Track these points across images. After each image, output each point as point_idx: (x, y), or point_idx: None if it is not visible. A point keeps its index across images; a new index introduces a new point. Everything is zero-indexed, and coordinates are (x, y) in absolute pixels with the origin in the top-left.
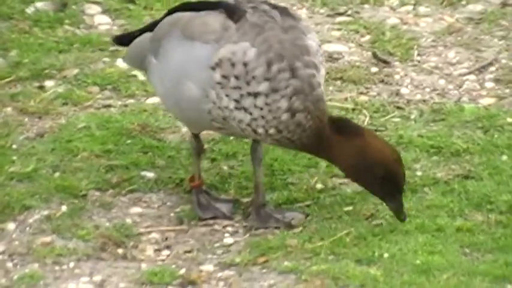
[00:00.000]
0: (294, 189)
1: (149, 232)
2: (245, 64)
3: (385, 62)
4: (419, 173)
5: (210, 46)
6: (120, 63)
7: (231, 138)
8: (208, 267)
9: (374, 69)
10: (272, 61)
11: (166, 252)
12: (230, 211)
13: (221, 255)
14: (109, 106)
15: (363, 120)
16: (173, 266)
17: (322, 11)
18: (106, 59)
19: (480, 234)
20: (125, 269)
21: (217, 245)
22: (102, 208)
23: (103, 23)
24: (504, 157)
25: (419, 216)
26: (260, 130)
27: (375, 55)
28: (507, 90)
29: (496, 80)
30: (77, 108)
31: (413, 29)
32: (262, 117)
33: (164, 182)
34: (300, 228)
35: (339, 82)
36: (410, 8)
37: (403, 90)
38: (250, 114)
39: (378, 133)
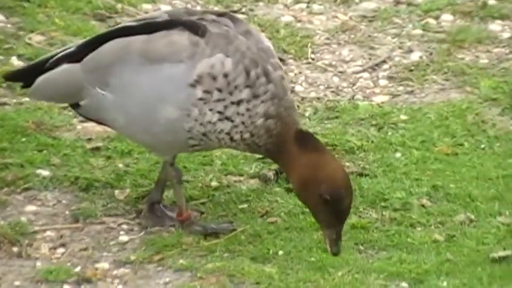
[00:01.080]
0: (189, 187)
1: (44, 230)
2: (225, 75)
3: (280, 59)
4: None
5: (184, 64)
6: (15, 61)
7: None
8: (103, 265)
9: None
10: (249, 68)
11: (61, 250)
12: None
13: (116, 253)
14: (4, 104)
15: None
16: (68, 264)
17: (216, 8)
18: (0, 57)
19: (374, 231)
20: (20, 267)
21: (112, 242)
22: None
23: None
24: (398, 154)
25: None
26: (237, 136)
27: None
28: (400, 88)
29: (390, 78)
30: None
31: (307, 26)
32: (243, 122)
33: (59, 180)
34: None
35: None
36: (304, 5)
37: (298, 88)
38: (232, 121)
39: None
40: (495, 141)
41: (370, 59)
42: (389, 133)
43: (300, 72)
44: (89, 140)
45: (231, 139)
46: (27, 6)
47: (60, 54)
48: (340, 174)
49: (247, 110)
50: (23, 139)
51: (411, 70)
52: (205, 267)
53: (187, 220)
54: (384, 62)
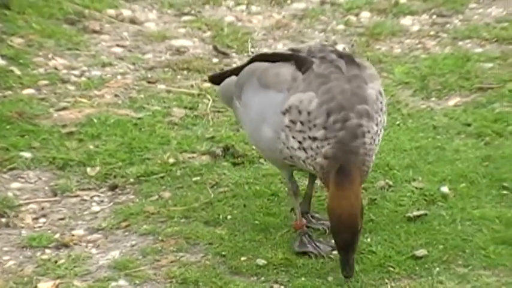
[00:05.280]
0: (150, 164)
1: (28, 203)
2: (309, 113)
3: (224, 53)
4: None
5: (283, 94)
6: None
7: (95, 121)
8: (79, 232)
9: (215, 60)
10: (331, 112)
11: (42, 220)
12: (326, 251)
13: (89, 221)
14: None
15: (207, 103)
16: (49, 232)
17: (169, 11)
18: None
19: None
20: (8, 235)
21: (86, 212)
22: None
23: None
24: None
25: (257, 184)
26: (309, 167)
27: (215, 48)
28: None
29: None
30: None
31: (247, 25)
32: (312, 156)
33: (39, 160)
34: (157, 196)
35: (185, 72)
36: (244, 7)
37: None
38: (306, 153)
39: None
40: (408, 118)
41: None
42: None
43: None
44: (64, 126)
45: (308, 165)
46: (8, 14)
47: (236, 67)
48: (347, 212)
49: (317, 147)
50: (8, 126)
51: None
52: (166, 231)
53: (301, 228)
54: None
